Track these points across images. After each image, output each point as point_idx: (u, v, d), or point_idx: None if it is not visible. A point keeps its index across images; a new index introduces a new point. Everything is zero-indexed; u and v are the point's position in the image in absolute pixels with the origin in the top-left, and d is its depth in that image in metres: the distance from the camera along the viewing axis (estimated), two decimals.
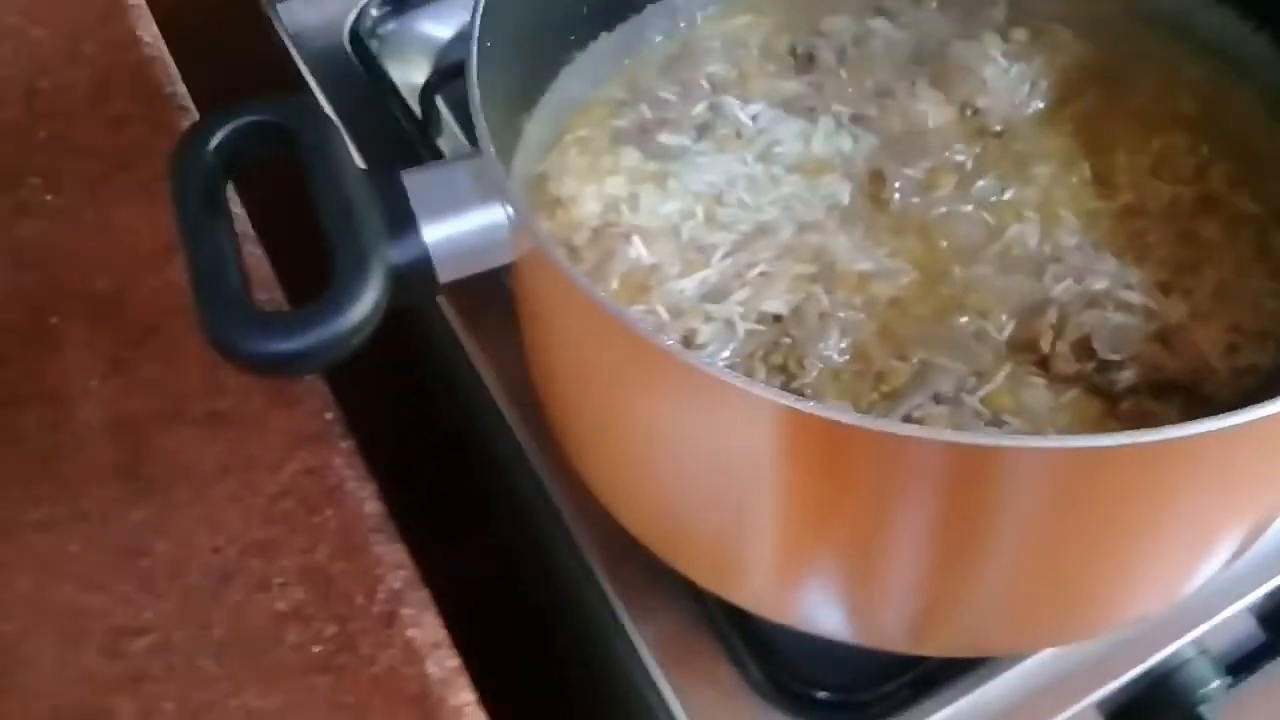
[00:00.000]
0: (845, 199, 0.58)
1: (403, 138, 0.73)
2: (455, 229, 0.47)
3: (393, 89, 0.74)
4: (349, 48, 0.77)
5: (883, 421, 0.42)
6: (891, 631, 0.53)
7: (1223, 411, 0.50)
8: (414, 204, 0.47)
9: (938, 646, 0.54)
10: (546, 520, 0.61)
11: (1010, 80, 0.61)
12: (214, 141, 0.46)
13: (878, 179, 0.59)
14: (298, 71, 0.77)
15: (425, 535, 0.54)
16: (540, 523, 0.62)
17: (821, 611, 0.52)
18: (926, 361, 0.52)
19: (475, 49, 0.49)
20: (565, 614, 0.66)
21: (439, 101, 0.73)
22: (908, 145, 0.60)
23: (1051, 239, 0.55)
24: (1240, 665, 0.62)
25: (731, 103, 0.62)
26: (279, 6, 0.79)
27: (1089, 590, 0.51)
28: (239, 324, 0.43)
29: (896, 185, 0.59)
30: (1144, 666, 0.58)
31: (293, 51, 0.77)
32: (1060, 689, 0.56)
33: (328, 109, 0.74)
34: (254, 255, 0.57)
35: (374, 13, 0.78)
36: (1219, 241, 0.55)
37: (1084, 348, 0.51)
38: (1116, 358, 0.51)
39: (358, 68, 0.76)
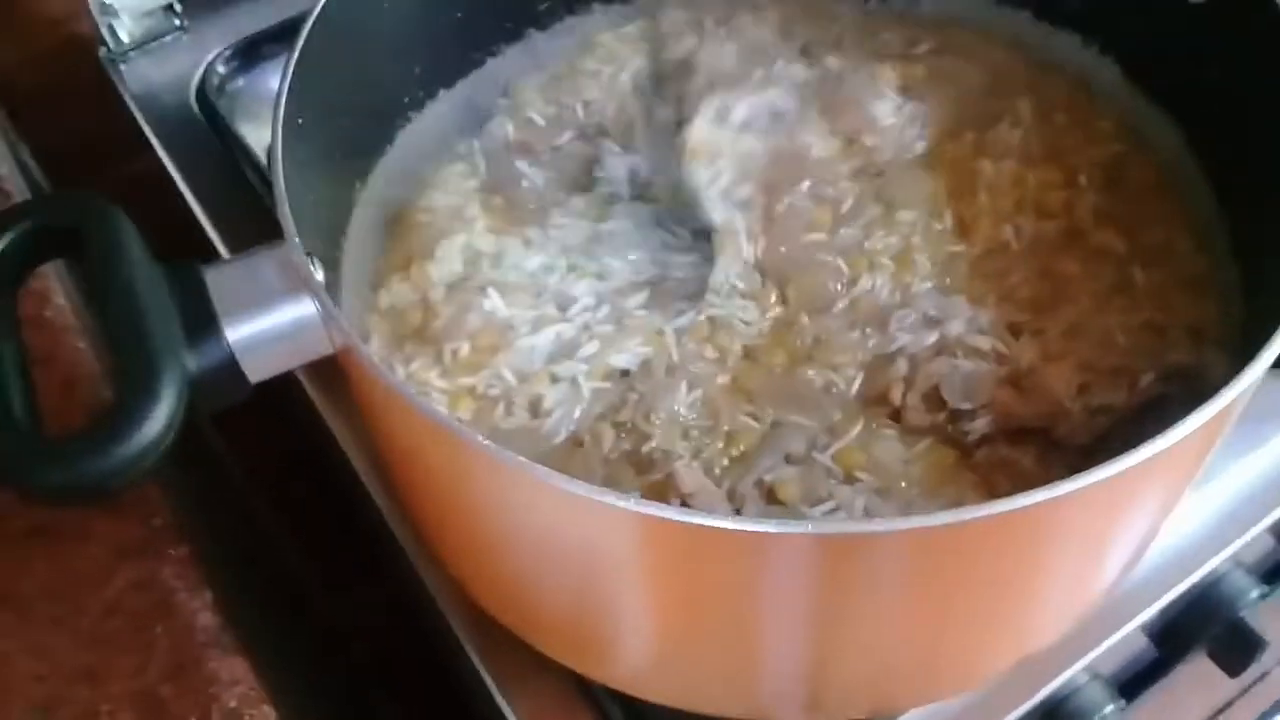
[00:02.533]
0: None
1: (255, 200, 0.70)
2: (261, 326, 0.44)
3: (243, 149, 0.71)
4: (196, 107, 0.74)
5: (737, 520, 0.40)
6: (780, 706, 0.51)
7: (1077, 453, 0.49)
8: (215, 302, 0.44)
9: (826, 716, 0.52)
10: (416, 591, 0.58)
11: (901, 118, 0.59)
12: None
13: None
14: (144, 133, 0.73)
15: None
16: (411, 592, 0.59)
17: (705, 692, 0.50)
18: (778, 421, 0.50)
19: (280, 129, 0.47)
20: (445, 682, 0.63)
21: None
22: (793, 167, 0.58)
23: (904, 286, 0.54)
24: (1133, 685, 0.61)
25: (607, 148, 0.60)
26: (123, 67, 0.75)
27: (971, 643, 0.49)
28: (20, 457, 0.40)
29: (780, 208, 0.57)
30: (1034, 700, 0.56)
31: (136, 114, 0.74)
32: None
33: (175, 173, 0.71)
34: (78, 349, 0.54)
35: (221, 69, 0.74)
36: (1077, 276, 0.54)
37: (935, 398, 0.49)
38: (968, 406, 0.49)
39: (206, 128, 0.73)
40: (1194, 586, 0.59)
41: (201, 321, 0.44)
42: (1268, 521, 0.59)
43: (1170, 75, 0.57)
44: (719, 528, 0.38)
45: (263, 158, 0.71)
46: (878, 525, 0.41)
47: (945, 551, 0.41)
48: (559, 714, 0.55)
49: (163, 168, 0.72)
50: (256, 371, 0.45)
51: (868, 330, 0.51)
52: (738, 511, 0.48)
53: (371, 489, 0.60)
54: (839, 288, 0.53)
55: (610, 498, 0.38)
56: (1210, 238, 0.54)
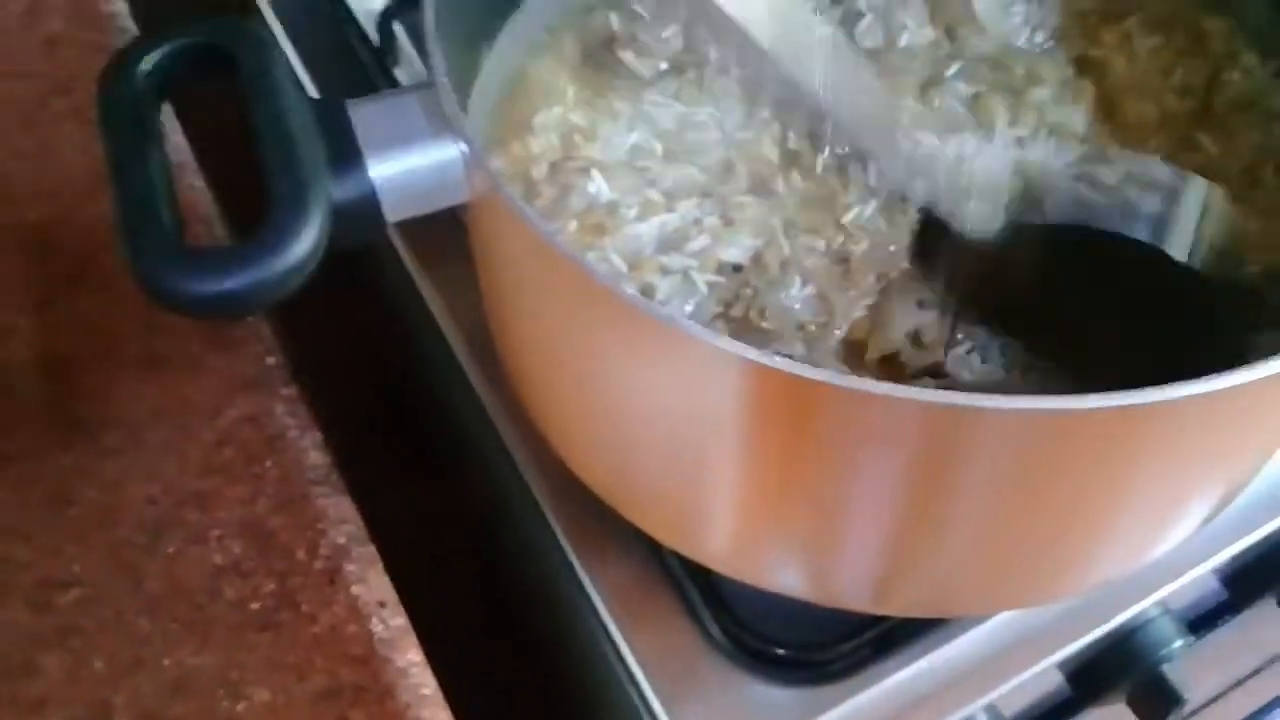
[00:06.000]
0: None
1: (359, 66, 0.69)
2: (404, 165, 0.44)
3: (349, 14, 0.71)
4: None
5: (855, 380, 0.40)
6: (853, 591, 0.51)
7: None
8: (360, 137, 0.44)
9: (900, 606, 0.53)
10: (501, 468, 0.59)
11: (1009, 19, 0.58)
12: (145, 66, 0.43)
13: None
14: None
15: (374, 484, 0.52)
16: (494, 470, 0.59)
17: (781, 570, 0.50)
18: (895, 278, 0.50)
19: None
20: (518, 565, 0.64)
21: (397, 28, 0.70)
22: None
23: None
24: (1201, 622, 0.61)
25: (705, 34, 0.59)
26: None
27: (1057, 554, 0.49)
28: (167, 263, 0.40)
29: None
30: (1108, 627, 0.57)
31: None
32: (1022, 649, 0.55)
33: (280, 34, 0.71)
34: (194, 188, 0.54)
35: None
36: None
37: None
38: None
39: None
40: (1271, 535, 0.59)
41: (346, 154, 0.43)
42: None
43: None
44: (837, 385, 0.38)
45: (369, 25, 0.70)
46: (993, 401, 0.40)
47: (1054, 440, 0.40)
48: (638, 590, 0.55)
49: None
50: (395, 210, 0.45)
51: None
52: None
53: (464, 362, 0.60)
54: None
55: (755, 354, 0.38)
56: None
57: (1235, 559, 0.59)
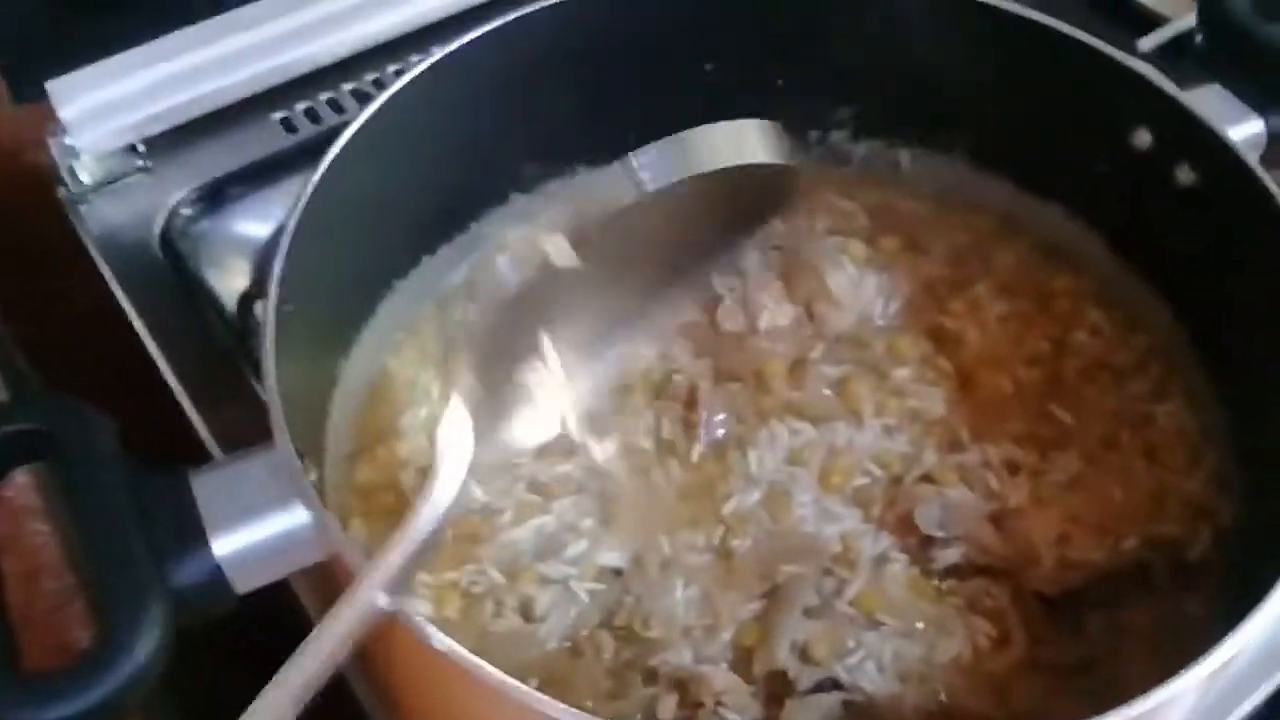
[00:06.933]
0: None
1: (220, 350, 0.67)
2: (251, 537, 0.42)
3: (209, 297, 0.69)
4: (159, 250, 0.71)
5: None
6: None
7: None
8: (202, 511, 0.42)
9: None
10: None
11: (862, 292, 0.58)
12: None
13: None
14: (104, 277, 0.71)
15: None
16: None
17: None
18: (781, 583, 0.49)
19: (273, 321, 0.45)
20: None
21: (260, 309, 0.68)
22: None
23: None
24: None
25: None
26: (82, 208, 0.73)
27: None
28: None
29: None
30: None
31: (96, 256, 0.71)
32: None
33: (136, 320, 0.69)
34: (36, 535, 0.51)
35: (185, 212, 0.72)
36: (1075, 430, 0.54)
37: (907, 522, 0.51)
38: (941, 535, 0.50)
39: (169, 271, 0.71)
40: None
41: (186, 533, 0.41)
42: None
43: (1158, 253, 0.58)
44: None
45: (227, 303, 0.68)
46: None
47: None
48: None
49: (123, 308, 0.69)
50: (244, 582, 0.42)
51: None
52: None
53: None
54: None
55: None
56: (1209, 426, 0.54)
57: None
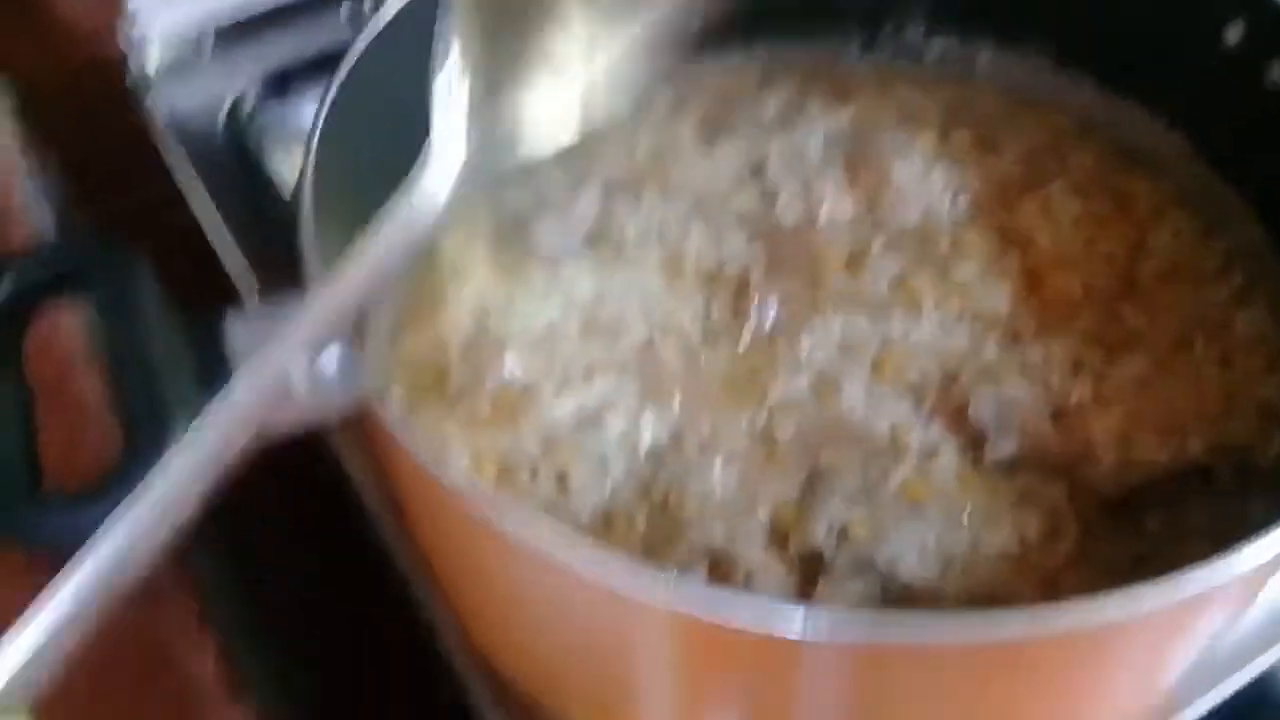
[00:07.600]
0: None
1: (279, 231, 0.67)
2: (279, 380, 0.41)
3: (269, 184, 0.69)
4: (223, 136, 0.71)
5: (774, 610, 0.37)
6: None
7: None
8: (233, 354, 0.41)
9: None
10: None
11: (929, 186, 0.56)
12: None
13: None
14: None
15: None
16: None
17: None
18: (824, 466, 0.48)
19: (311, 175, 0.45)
20: None
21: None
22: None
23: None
24: None
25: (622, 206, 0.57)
26: (150, 93, 0.73)
27: None
28: (18, 509, 0.37)
29: None
30: None
31: (162, 141, 0.72)
32: None
33: (198, 207, 0.69)
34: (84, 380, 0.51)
35: (251, 100, 0.72)
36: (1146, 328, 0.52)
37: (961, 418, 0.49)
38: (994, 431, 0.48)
39: (233, 158, 0.71)
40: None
41: (217, 374, 0.41)
42: None
43: (1245, 157, 0.55)
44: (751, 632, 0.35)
45: (284, 192, 0.68)
46: (920, 635, 0.38)
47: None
48: None
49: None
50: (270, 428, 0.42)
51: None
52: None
53: (397, 553, 0.57)
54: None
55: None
56: None
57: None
